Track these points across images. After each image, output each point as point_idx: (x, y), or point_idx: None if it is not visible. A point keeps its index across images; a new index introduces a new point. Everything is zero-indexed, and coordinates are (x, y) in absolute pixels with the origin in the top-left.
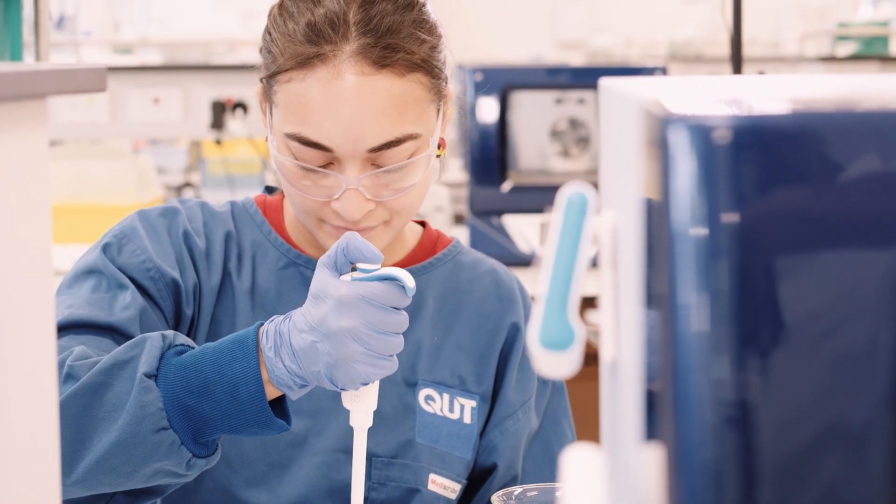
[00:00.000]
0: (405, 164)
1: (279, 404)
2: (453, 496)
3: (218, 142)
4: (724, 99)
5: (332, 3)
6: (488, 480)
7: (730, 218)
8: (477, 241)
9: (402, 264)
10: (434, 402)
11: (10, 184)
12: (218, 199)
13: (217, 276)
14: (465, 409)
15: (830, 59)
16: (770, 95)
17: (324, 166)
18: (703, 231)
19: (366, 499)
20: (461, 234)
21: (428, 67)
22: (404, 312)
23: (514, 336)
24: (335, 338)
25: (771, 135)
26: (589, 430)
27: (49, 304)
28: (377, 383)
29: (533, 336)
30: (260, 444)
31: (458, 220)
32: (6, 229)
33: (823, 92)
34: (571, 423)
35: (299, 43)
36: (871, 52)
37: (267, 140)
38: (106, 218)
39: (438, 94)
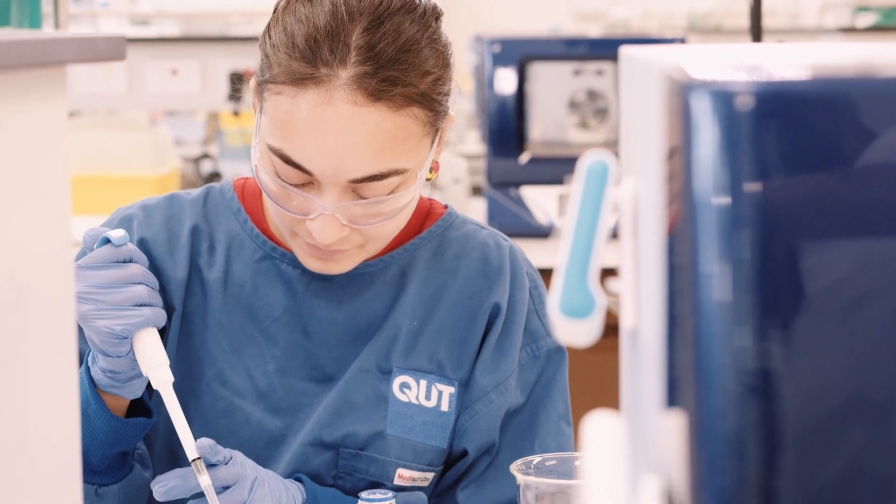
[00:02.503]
0: (387, 197)
1: (144, 406)
2: (426, 484)
3: (235, 113)
4: (747, 65)
5: (338, 20)
6: (456, 465)
7: (752, 187)
8: (495, 213)
9: (389, 248)
10: (409, 390)
11: (31, 151)
12: (236, 170)
13: (183, 270)
14: (443, 396)
15: (850, 30)
16: (793, 62)
17: (303, 185)
18: (725, 200)
19: (332, 487)
20: (479, 206)
21: (426, 101)
22: (129, 264)
23: (494, 316)
24: (77, 311)
25: (795, 101)
26: (609, 401)
27: (69, 275)
28: (150, 337)
29: (553, 304)
30: (238, 444)
31: (476, 191)
32: (26, 197)
33: (846, 59)
34: (566, 398)
35: (295, 59)
36: (891, 24)
37: (252, 140)
38: (124, 189)
39: (434, 126)
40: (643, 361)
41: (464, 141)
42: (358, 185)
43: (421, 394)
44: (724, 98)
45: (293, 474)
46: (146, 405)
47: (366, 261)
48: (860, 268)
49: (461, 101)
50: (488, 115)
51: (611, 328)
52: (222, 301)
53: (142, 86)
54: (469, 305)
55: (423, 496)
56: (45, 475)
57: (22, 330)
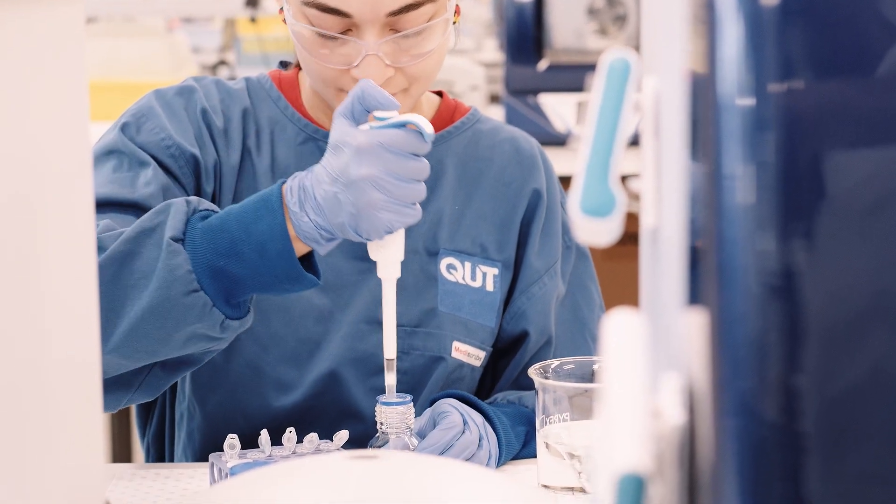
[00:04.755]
0: (424, 28)
1: (307, 260)
2: (478, 363)
3: (252, 19)
4: None
5: None
6: (522, 347)
7: (778, 87)
8: (513, 120)
9: None
10: (456, 271)
11: (48, 53)
12: None
13: (237, 153)
14: (487, 277)
15: None
16: None
17: (342, 33)
18: (749, 101)
19: None
20: (497, 113)
21: None
22: (424, 160)
23: (535, 203)
24: (356, 187)
25: None
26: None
27: (87, 181)
28: (402, 232)
29: (574, 203)
30: (289, 321)
31: (494, 99)
32: (44, 100)
33: None
34: (598, 288)
35: None
36: None
37: (281, 11)
38: (139, 96)
39: None
40: (664, 260)
41: (482, 48)
42: (395, 19)
43: (467, 275)
44: None
45: (349, 352)
46: (314, 266)
47: None
48: (885, 169)
49: (479, 8)
50: (506, 22)
51: (628, 236)
52: (270, 183)
53: None
54: (506, 192)
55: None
56: (64, 391)
57: (38, 236)
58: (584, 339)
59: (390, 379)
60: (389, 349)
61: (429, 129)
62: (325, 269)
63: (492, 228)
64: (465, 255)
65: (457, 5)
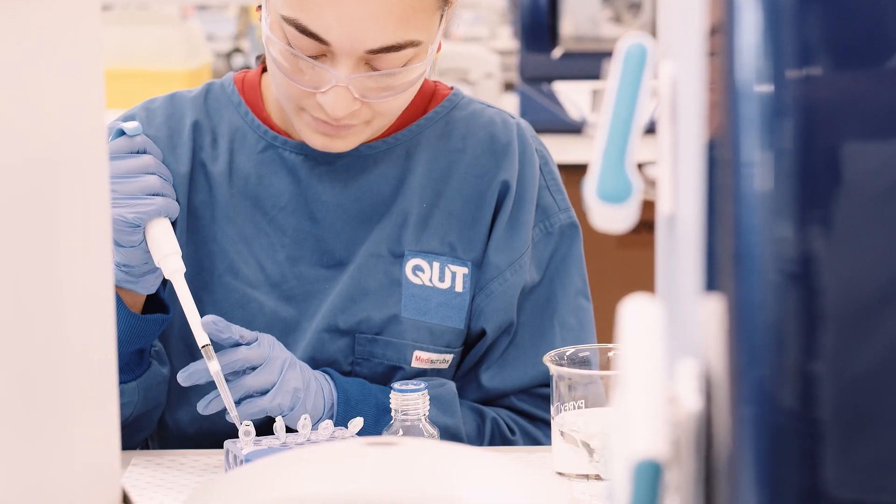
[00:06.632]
0: (399, 70)
1: (159, 302)
2: (445, 366)
3: None
4: None
5: None
6: (476, 346)
7: (796, 73)
8: (527, 108)
9: (392, 129)
10: (423, 273)
11: (64, 41)
12: None
13: (186, 164)
14: (456, 277)
15: None
16: None
17: (316, 56)
18: (767, 88)
19: (349, 374)
20: (511, 101)
21: None
22: (144, 155)
23: (503, 195)
24: None
25: None
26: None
27: (104, 165)
28: (164, 226)
29: (590, 189)
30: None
31: (509, 87)
32: (61, 88)
33: None
34: (582, 271)
35: None
36: None
37: (259, 9)
38: (155, 83)
39: (446, 1)
40: (680, 246)
41: (496, 36)
42: (373, 57)
43: (434, 276)
44: None
45: (310, 361)
46: (162, 302)
47: (369, 142)
48: None
49: None
50: (521, 10)
51: (644, 224)
52: (228, 194)
53: None
54: (478, 185)
55: (452, 387)
56: (80, 376)
57: (54, 224)
58: (551, 326)
59: (213, 366)
60: (200, 338)
61: (130, 126)
62: (291, 280)
63: (461, 226)
64: (434, 255)
65: (439, 42)
